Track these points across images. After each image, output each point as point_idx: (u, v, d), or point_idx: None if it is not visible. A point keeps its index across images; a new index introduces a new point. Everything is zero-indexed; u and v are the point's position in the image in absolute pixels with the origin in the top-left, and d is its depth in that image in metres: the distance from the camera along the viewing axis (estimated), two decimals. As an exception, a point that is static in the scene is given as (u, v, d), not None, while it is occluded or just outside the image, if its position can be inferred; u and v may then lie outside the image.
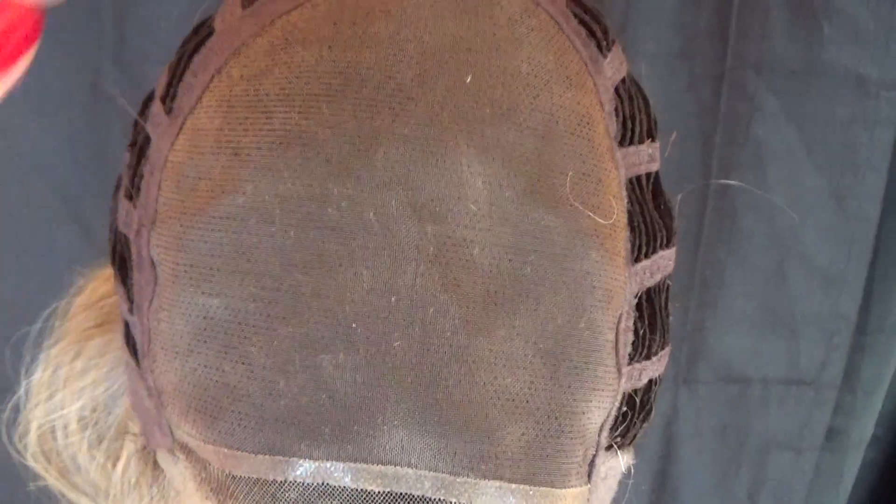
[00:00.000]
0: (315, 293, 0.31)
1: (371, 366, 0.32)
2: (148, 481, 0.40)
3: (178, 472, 0.36)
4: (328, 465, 0.32)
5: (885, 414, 0.94)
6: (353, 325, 0.31)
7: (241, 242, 0.32)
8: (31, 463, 0.44)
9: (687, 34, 0.84)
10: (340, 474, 0.32)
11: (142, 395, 0.36)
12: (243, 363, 0.32)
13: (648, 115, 0.38)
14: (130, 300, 0.36)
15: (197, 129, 0.34)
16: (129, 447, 0.41)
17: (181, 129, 0.34)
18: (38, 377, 0.43)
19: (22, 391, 0.44)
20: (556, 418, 0.33)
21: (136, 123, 0.38)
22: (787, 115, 0.85)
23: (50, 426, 0.43)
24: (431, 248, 0.31)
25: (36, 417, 0.43)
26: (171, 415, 0.35)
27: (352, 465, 0.32)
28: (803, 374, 0.91)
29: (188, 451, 0.35)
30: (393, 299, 0.31)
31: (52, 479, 0.44)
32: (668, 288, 0.38)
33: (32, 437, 0.44)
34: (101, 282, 0.43)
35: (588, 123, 0.34)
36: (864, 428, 0.93)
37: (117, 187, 0.39)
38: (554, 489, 0.34)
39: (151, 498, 0.40)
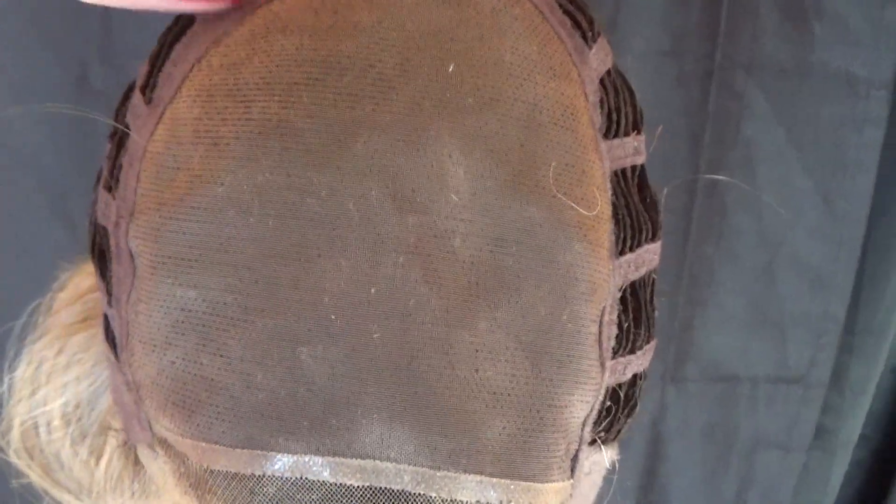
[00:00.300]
0: (293, 285, 0.31)
1: (350, 358, 0.31)
2: (130, 476, 0.40)
3: (157, 467, 0.36)
4: (307, 458, 0.32)
5: (873, 414, 0.94)
6: (332, 317, 0.31)
7: (219, 233, 0.32)
8: (13, 460, 0.44)
9: (676, 32, 0.84)
10: (319, 468, 0.32)
11: (121, 390, 0.36)
12: (221, 356, 0.32)
13: (634, 107, 0.37)
14: (109, 293, 0.36)
15: (176, 119, 0.33)
16: (112, 443, 0.41)
17: (160, 118, 0.34)
18: (21, 373, 0.43)
19: (5, 387, 0.43)
20: (538, 412, 0.33)
21: (116, 114, 0.38)
22: (776, 115, 0.85)
23: (33, 422, 0.43)
24: (412, 239, 0.31)
25: (19, 414, 0.43)
26: (150, 409, 0.34)
27: (331, 459, 0.32)
28: (792, 373, 0.91)
29: (167, 445, 0.35)
30: (372, 290, 0.31)
31: (35, 477, 0.44)
32: (653, 282, 0.37)
33: (15, 434, 0.43)
34: (84, 277, 0.43)
35: (572, 114, 0.34)
36: (853, 427, 0.93)
37: (98, 179, 0.38)
38: (535, 483, 0.34)
39: (133, 493, 0.40)
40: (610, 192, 0.35)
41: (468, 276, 0.32)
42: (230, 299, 0.32)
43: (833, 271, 0.88)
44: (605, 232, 0.34)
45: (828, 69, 0.84)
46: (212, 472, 0.33)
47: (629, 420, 0.38)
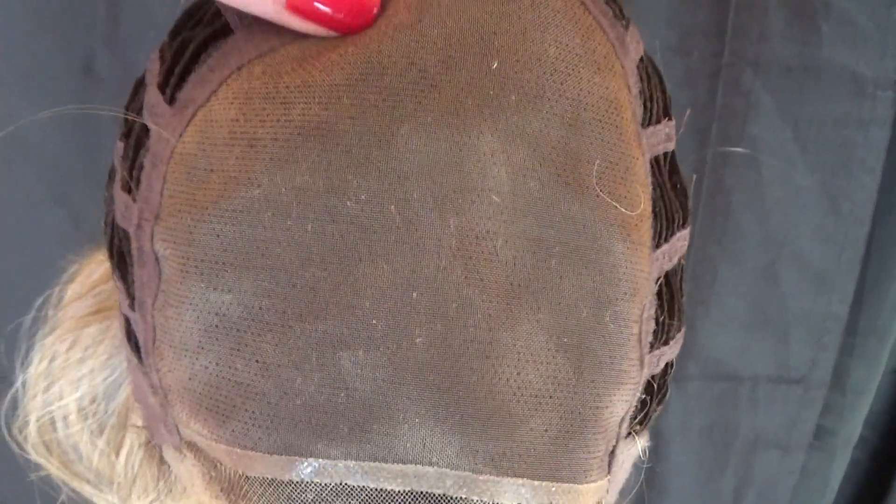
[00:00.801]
0: (333, 289, 0.30)
1: (392, 363, 0.31)
2: (154, 474, 0.39)
3: (185, 469, 0.35)
4: (346, 464, 0.31)
5: (873, 415, 0.94)
6: (373, 322, 0.30)
7: (256, 236, 0.31)
8: (31, 454, 0.43)
9: (684, 30, 0.83)
10: (359, 474, 0.32)
11: (145, 392, 0.35)
12: (257, 361, 0.31)
13: (664, 91, 0.37)
14: (131, 296, 0.35)
15: (209, 121, 0.33)
16: (133, 438, 0.40)
17: (191, 120, 0.33)
18: (35, 368, 0.42)
19: (19, 383, 0.43)
20: (580, 414, 0.33)
21: (127, 110, 0.37)
22: (782, 114, 0.84)
23: (49, 417, 0.42)
24: (454, 241, 0.31)
25: (35, 409, 0.42)
26: (180, 413, 0.34)
27: (371, 464, 0.31)
28: (793, 374, 0.91)
29: (196, 449, 0.34)
30: (414, 294, 0.30)
31: (53, 470, 0.44)
32: (682, 269, 0.37)
33: (32, 429, 0.43)
34: (94, 267, 0.42)
35: (616, 109, 0.33)
36: (852, 428, 0.93)
37: (111, 178, 0.37)
38: (576, 485, 0.33)
39: (158, 493, 0.39)
40: (650, 188, 0.34)
41: (510, 278, 0.31)
42: (266, 304, 0.31)
43: (836, 271, 0.88)
44: (647, 229, 0.34)
45: (834, 69, 0.84)
46: (247, 477, 0.32)
47: (660, 407, 0.37)
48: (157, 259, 0.33)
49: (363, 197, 0.30)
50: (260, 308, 0.31)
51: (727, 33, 0.83)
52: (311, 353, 0.31)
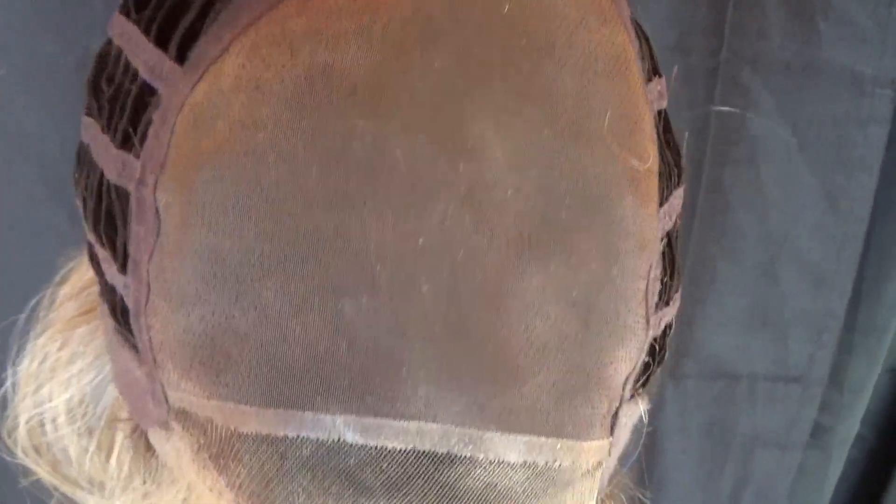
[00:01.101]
0: (336, 233, 0.30)
1: (396, 312, 0.30)
2: (140, 469, 0.39)
3: (171, 447, 0.34)
4: (345, 419, 0.30)
5: (870, 413, 0.94)
6: (378, 268, 0.30)
7: (259, 180, 0.30)
8: (21, 457, 0.43)
9: (682, 28, 0.83)
10: (358, 431, 0.30)
11: (131, 368, 0.35)
12: (255, 308, 0.30)
13: (650, 49, 0.36)
14: (122, 259, 0.34)
15: (219, 72, 0.32)
16: (120, 436, 0.40)
17: (202, 76, 0.32)
18: (25, 368, 0.42)
19: (9, 383, 0.43)
20: (585, 369, 0.32)
21: (105, 82, 0.36)
22: (781, 112, 0.84)
23: (39, 419, 0.42)
24: (463, 188, 0.30)
25: (24, 410, 0.42)
26: (171, 374, 0.33)
27: (371, 419, 0.30)
28: (791, 372, 0.91)
29: (185, 417, 0.33)
30: (420, 241, 0.30)
31: (44, 473, 0.43)
32: (678, 228, 0.37)
33: (22, 432, 0.42)
34: (86, 268, 0.42)
35: (625, 61, 0.33)
36: (850, 426, 0.93)
37: (86, 150, 0.37)
38: (580, 442, 0.33)
39: (145, 491, 0.39)
40: (657, 143, 0.34)
41: (520, 228, 0.30)
42: (268, 248, 0.30)
43: (834, 269, 0.88)
44: (655, 185, 0.33)
45: (833, 67, 0.83)
46: (239, 435, 0.31)
47: (658, 369, 0.37)
48: (157, 212, 0.32)
49: (369, 140, 0.30)
50: (261, 253, 0.30)
51: (726, 31, 0.83)
52: (313, 299, 0.30)
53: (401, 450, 0.31)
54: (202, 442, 0.33)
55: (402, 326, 0.30)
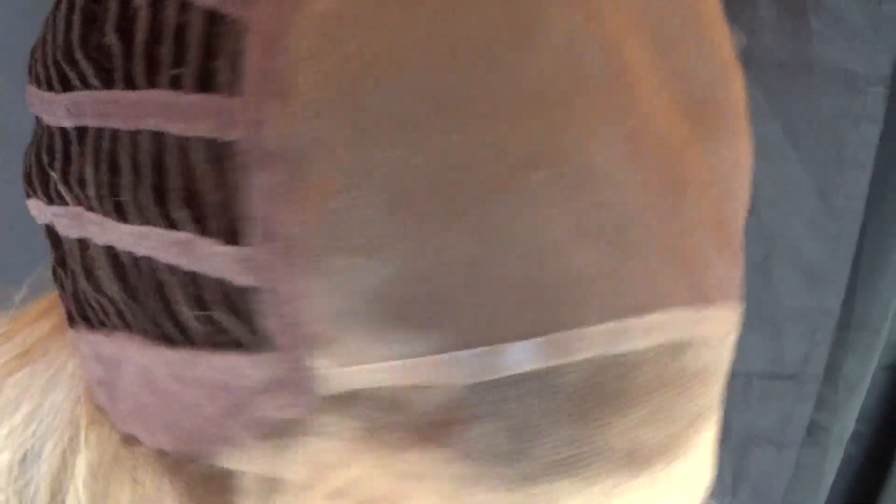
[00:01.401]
0: (560, 133, 0.27)
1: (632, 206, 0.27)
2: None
3: (323, 443, 0.28)
4: (602, 329, 0.27)
5: (866, 410, 0.94)
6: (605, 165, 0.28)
7: (453, 83, 0.26)
8: None
9: (675, 26, 0.83)
10: (611, 339, 0.27)
11: (225, 373, 0.29)
12: (479, 231, 0.26)
13: None
14: (228, 224, 0.28)
15: None
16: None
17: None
18: None
19: None
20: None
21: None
22: (773, 109, 0.84)
23: None
24: (664, 87, 0.30)
25: None
26: (349, 346, 0.27)
27: (612, 324, 0.27)
28: (786, 369, 0.91)
29: (358, 397, 0.27)
30: (630, 123, 0.28)
31: None
32: None
33: None
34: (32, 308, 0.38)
35: None
36: (846, 423, 0.93)
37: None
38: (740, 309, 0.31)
39: None
40: None
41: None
42: (483, 154, 0.26)
43: (829, 266, 0.88)
44: None
45: (825, 64, 0.84)
46: (475, 386, 0.26)
47: None
48: (289, 151, 0.26)
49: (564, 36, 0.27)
50: (470, 166, 0.25)
51: (718, 29, 0.83)
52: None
53: (641, 350, 0.27)
54: (390, 420, 0.27)
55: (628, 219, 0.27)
